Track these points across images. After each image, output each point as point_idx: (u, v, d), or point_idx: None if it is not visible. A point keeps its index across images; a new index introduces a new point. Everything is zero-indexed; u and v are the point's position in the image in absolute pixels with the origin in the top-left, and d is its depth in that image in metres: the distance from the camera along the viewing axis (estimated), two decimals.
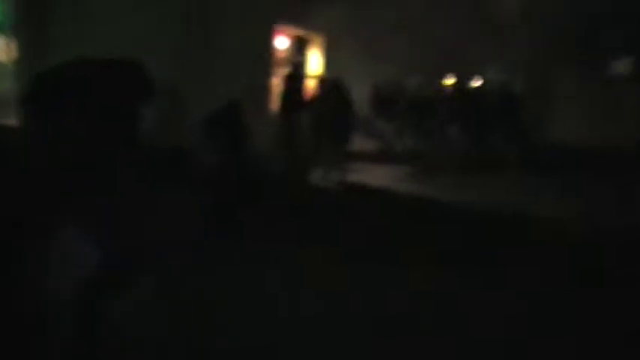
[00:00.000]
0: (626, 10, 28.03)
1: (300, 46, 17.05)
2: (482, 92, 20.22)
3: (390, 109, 19.92)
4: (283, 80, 14.53)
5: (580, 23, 29.70)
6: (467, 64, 32.81)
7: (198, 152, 12.38)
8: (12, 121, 9.89)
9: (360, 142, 19.15)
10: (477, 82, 26.53)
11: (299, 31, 16.94)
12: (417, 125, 18.11)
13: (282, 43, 16.98)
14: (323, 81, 14.75)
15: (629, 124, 23.10)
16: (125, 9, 14.67)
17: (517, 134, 17.94)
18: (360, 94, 20.23)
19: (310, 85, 14.89)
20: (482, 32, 33.96)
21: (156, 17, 15.16)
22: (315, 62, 17.44)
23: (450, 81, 30.86)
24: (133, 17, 14.78)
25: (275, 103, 15.22)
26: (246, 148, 12.57)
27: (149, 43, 15.18)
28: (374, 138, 20.32)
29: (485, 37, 34.38)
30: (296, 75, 14.12)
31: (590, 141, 22.17)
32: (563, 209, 12.15)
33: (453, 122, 16.68)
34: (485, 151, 17.15)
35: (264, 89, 15.46)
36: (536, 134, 24.08)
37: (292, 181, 13.67)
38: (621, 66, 28.54)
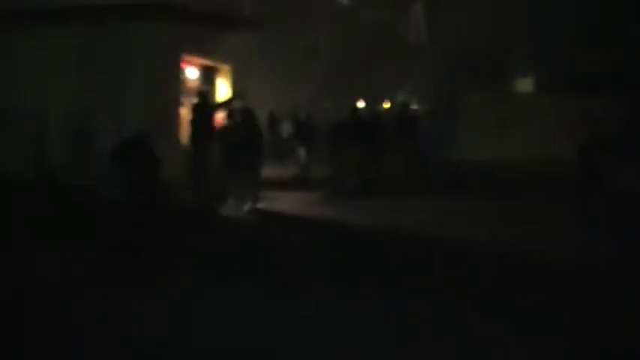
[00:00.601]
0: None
1: (208, 76, 16.77)
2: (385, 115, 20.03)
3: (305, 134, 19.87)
4: (191, 109, 14.29)
5: (487, 44, 30.49)
6: (378, 88, 33.32)
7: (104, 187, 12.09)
8: None
9: (273, 169, 19.12)
10: (386, 105, 26.74)
11: (206, 61, 16.70)
12: (332, 149, 17.91)
13: (191, 73, 16.79)
14: (232, 109, 14.55)
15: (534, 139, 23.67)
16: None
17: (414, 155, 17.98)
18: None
19: (219, 113, 14.62)
20: (393, 56, 34.60)
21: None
22: (223, 91, 17.25)
23: (360, 105, 31.26)
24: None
25: (184, 133, 14.93)
26: (156, 179, 12.31)
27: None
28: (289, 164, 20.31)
29: (396, 61, 35.03)
30: (203, 104, 13.86)
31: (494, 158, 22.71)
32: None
33: (357, 144, 16.56)
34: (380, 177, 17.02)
35: (173, 119, 15.15)
36: (444, 153, 24.51)
37: (201, 212, 13.39)
38: (525, 84, 29.41)
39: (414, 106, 28.26)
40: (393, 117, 19.67)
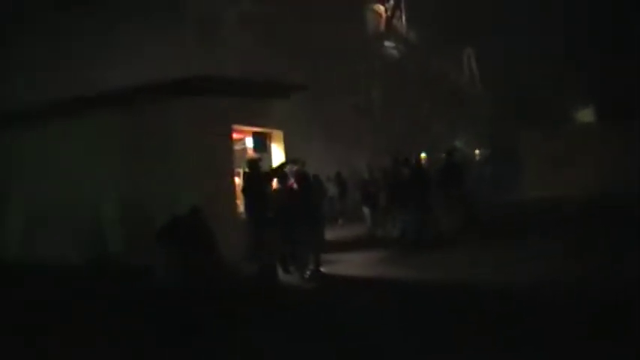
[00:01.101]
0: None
1: (261, 143, 16.50)
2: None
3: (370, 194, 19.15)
4: (243, 179, 13.92)
5: (539, 83, 29.71)
6: (434, 139, 32.64)
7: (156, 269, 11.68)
8: None
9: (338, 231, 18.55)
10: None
11: (258, 128, 16.47)
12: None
13: (245, 142, 16.67)
14: (284, 173, 14.16)
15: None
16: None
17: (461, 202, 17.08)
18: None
19: (274, 180, 14.19)
20: (447, 106, 34.01)
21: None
22: (278, 156, 16.94)
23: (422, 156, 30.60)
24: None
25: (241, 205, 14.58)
26: (210, 256, 11.85)
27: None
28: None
29: (451, 110, 34.40)
30: (254, 172, 13.43)
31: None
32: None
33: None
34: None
35: (229, 191, 14.83)
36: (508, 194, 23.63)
37: (261, 286, 12.81)
38: (586, 114, 28.33)
39: (458, 148, 27.43)
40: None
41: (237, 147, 16.72)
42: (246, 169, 13.73)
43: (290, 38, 26.75)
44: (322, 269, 13.49)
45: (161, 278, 11.62)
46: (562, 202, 20.72)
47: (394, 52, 34.12)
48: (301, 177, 13.81)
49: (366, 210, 19.05)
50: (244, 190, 13.46)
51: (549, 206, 20.59)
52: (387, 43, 33.70)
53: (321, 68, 27.38)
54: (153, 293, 11.46)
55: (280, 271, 13.57)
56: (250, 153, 16.45)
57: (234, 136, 16.18)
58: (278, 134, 17.15)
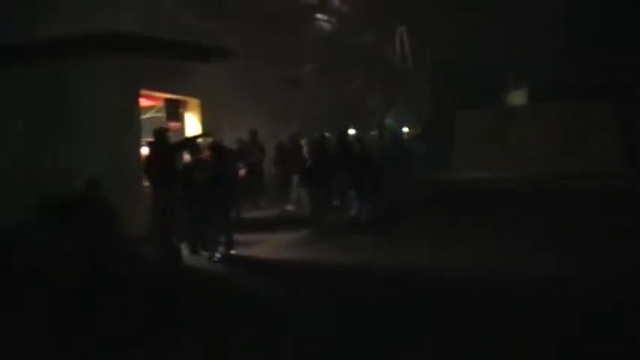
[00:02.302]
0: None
1: (173, 111, 14.57)
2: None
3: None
4: (147, 149, 12.14)
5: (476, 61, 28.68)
6: (365, 114, 31.26)
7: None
8: None
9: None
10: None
11: (171, 95, 14.56)
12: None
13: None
14: (197, 146, 12.47)
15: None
16: None
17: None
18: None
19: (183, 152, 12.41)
20: (381, 81, 32.63)
21: None
22: (192, 127, 15.16)
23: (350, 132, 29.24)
24: None
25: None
26: (111, 238, 10.18)
27: None
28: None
29: (384, 87, 33.04)
30: (161, 142, 11.66)
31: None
32: None
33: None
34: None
35: (133, 163, 12.93)
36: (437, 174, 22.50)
37: (165, 267, 11.15)
38: (518, 97, 27.31)
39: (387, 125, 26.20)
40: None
41: (148, 115, 14.88)
42: (152, 138, 11.94)
43: (222, 3, 24.96)
44: (233, 251, 11.91)
45: (43, 260, 9.85)
46: (494, 181, 19.56)
47: (327, 25, 32.42)
48: (215, 150, 12.17)
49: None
50: (149, 161, 11.73)
51: (480, 185, 19.37)
52: (319, 16, 31.95)
53: (252, 36, 25.58)
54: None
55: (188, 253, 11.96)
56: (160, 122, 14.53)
57: (145, 102, 14.35)
58: (194, 102, 15.34)
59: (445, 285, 9.01)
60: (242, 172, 17.05)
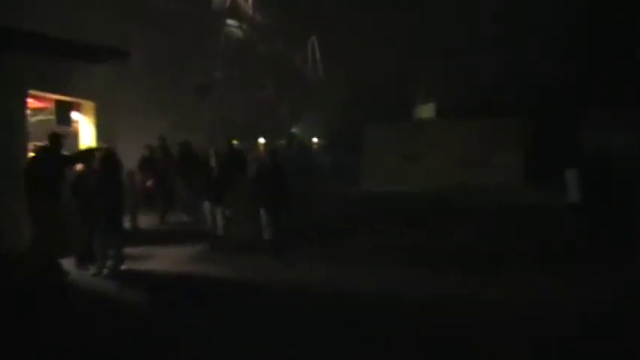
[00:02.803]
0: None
1: (64, 114, 13.46)
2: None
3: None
4: (31, 157, 11.06)
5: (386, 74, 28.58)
6: (275, 124, 30.65)
7: None
8: None
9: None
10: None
11: (63, 97, 13.45)
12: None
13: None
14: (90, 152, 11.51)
15: None
16: None
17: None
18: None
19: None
20: (291, 91, 32.09)
21: None
22: (86, 130, 14.13)
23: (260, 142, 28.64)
24: None
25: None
26: None
27: None
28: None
29: (294, 96, 32.52)
30: (52, 150, 10.61)
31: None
32: None
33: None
34: None
35: (20, 170, 11.77)
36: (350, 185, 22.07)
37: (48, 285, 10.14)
38: (426, 110, 27.21)
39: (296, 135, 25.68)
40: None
41: (38, 117, 13.78)
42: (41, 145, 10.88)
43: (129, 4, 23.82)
44: (124, 266, 11.02)
45: None
46: (404, 196, 19.16)
47: (238, 31, 31.69)
48: (103, 159, 11.15)
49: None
50: (36, 169, 10.61)
51: (389, 200, 18.94)
52: (230, 22, 31.18)
53: (158, 39, 24.55)
54: None
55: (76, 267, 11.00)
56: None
57: (35, 104, 13.25)
58: (89, 105, 14.30)
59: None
60: (149, 183, 16.10)
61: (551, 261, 10.57)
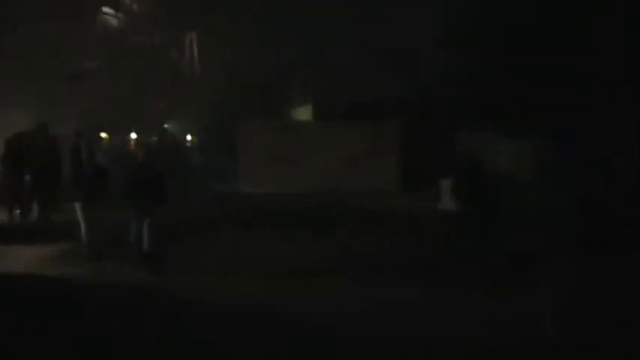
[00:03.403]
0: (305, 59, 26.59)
1: None
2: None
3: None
4: None
5: (262, 74, 28.06)
6: (148, 119, 29.54)
7: None
8: None
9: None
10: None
11: None
12: None
13: None
14: None
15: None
16: None
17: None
18: None
19: None
20: (166, 85, 30.95)
21: None
22: None
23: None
24: None
25: None
26: None
27: None
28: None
29: (170, 91, 31.39)
30: None
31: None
32: None
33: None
34: None
35: None
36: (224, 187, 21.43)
37: None
38: (303, 112, 26.90)
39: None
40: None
41: None
42: None
43: None
44: None
45: None
46: (277, 199, 18.71)
47: (114, 20, 30.28)
48: None
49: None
50: None
51: (261, 202, 18.40)
52: (105, 10, 29.72)
53: (26, 23, 23.06)
54: None
55: None
56: None
57: None
58: None
59: None
60: (27, 177, 14.80)
61: None
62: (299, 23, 25.63)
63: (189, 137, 31.19)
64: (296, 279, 9.87)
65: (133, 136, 27.85)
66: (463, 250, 10.43)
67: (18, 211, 14.76)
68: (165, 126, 28.73)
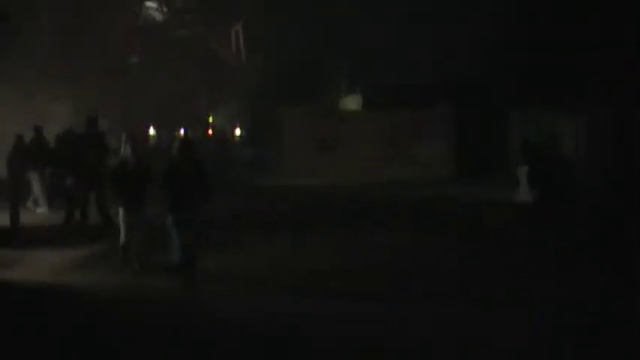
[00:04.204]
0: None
1: None
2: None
3: None
4: None
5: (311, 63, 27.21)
6: (193, 112, 28.80)
7: None
8: None
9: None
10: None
11: None
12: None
13: None
14: None
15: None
16: None
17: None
18: None
19: None
20: (211, 79, 30.12)
21: None
22: None
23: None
24: None
25: None
26: None
27: None
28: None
29: (214, 85, 30.56)
30: None
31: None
32: None
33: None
34: None
35: None
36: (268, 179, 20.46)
37: None
38: (352, 101, 25.75)
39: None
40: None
41: None
42: None
43: None
44: None
45: None
46: (325, 191, 17.51)
47: (156, 14, 29.45)
48: None
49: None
50: None
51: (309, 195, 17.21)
52: (148, 4, 28.90)
53: (66, 15, 22.40)
54: None
55: None
56: None
57: None
58: None
59: None
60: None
61: None
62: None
63: (237, 131, 30.43)
64: None
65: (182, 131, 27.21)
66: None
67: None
68: (210, 119, 27.94)
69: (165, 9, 30.05)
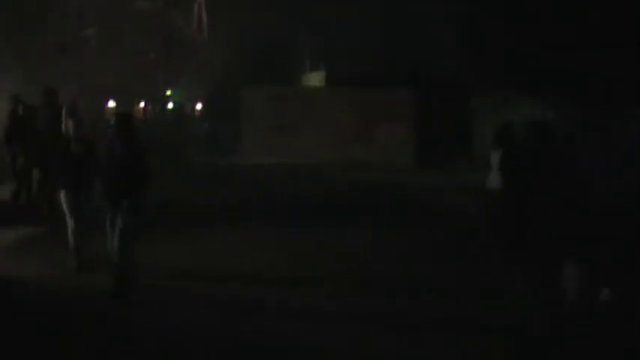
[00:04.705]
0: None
1: None
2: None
3: None
4: None
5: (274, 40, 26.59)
6: (151, 86, 27.94)
7: None
8: None
9: None
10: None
11: None
12: None
13: None
14: None
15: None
16: None
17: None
18: None
19: None
20: (171, 54, 29.28)
21: None
22: None
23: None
24: None
25: None
26: None
27: None
28: None
29: (174, 59, 29.72)
30: None
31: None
32: None
33: None
34: None
35: None
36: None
37: None
38: (315, 78, 25.01)
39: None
40: None
41: None
42: None
43: None
44: None
45: None
46: (276, 174, 16.76)
47: None
48: None
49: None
50: None
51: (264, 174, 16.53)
52: None
53: None
54: None
55: None
56: None
57: None
58: None
59: None
60: None
61: None
62: None
63: (199, 106, 29.73)
64: None
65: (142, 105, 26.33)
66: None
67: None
68: (169, 93, 27.15)
69: None
